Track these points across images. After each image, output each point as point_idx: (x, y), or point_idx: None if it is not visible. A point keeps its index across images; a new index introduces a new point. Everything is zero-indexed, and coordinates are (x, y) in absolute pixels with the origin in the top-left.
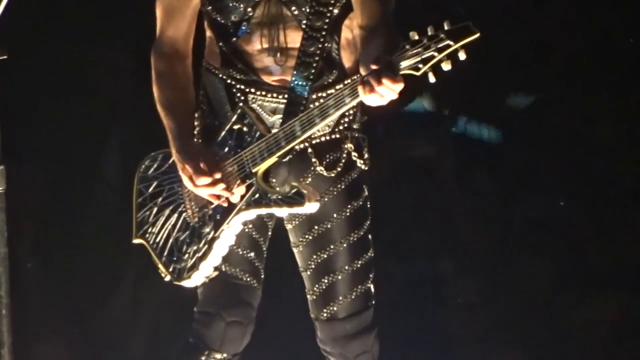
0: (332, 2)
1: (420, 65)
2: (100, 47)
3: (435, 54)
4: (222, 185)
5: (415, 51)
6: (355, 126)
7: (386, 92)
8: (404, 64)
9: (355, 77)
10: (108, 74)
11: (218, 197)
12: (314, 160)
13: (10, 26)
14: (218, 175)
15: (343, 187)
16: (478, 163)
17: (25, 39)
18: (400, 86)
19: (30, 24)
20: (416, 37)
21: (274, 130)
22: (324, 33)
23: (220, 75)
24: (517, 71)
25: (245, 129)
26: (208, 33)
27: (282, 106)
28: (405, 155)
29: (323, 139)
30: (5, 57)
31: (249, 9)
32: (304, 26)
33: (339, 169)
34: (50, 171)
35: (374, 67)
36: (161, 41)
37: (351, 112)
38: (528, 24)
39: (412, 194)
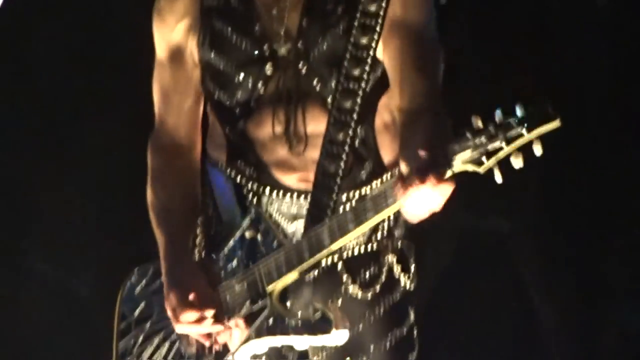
0: (365, 76)
1: (484, 159)
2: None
3: (504, 145)
4: (209, 322)
5: (478, 141)
6: (397, 232)
7: (430, 195)
8: (464, 156)
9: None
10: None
11: (209, 336)
12: (345, 277)
13: None
14: (209, 313)
15: (382, 311)
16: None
17: None
18: (448, 188)
19: None
20: (479, 124)
21: (296, 240)
22: (354, 116)
23: (228, 172)
24: None
25: (259, 237)
26: (211, 119)
27: (305, 210)
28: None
29: (356, 250)
30: None
31: (259, 84)
32: (329, 107)
33: (377, 289)
34: None
35: (417, 158)
36: (160, 131)
37: (393, 214)
38: None
39: (478, 313)
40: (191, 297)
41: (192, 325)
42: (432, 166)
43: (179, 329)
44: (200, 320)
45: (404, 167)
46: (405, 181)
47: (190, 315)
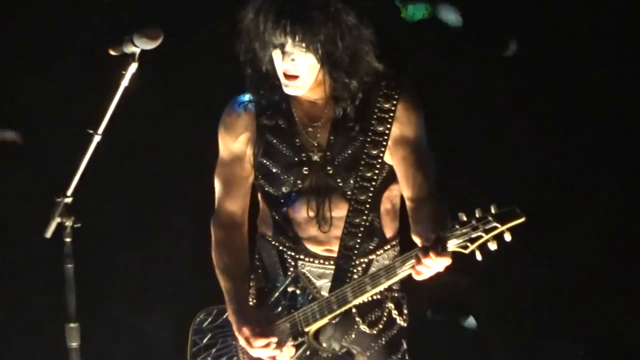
0: (375, 177)
1: (469, 244)
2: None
3: (483, 234)
4: (273, 346)
5: (464, 231)
6: (395, 287)
7: (433, 265)
8: (454, 242)
9: (394, 244)
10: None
11: (274, 358)
12: (357, 319)
13: None
14: (274, 339)
15: (384, 342)
16: None
17: None
18: (447, 261)
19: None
20: (464, 218)
21: (326, 294)
22: (367, 206)
23: (273, 243)
24: None
25: (298, 291)
26: (261, 205)
27: (328, 271)
28: None
29: (366, 299)
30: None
31: (299, 181)
32: (349, 199)
33: (380, 326)
34: None
35: (425, 243)
36: (219, 213)
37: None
38: None
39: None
40: (258, 330)
41: (262, 349)
42: (433, 247)
43: (254, 352)
44: (267, 345)
45: (420, 244)
46: (416, 257)
47: (261, 341)
